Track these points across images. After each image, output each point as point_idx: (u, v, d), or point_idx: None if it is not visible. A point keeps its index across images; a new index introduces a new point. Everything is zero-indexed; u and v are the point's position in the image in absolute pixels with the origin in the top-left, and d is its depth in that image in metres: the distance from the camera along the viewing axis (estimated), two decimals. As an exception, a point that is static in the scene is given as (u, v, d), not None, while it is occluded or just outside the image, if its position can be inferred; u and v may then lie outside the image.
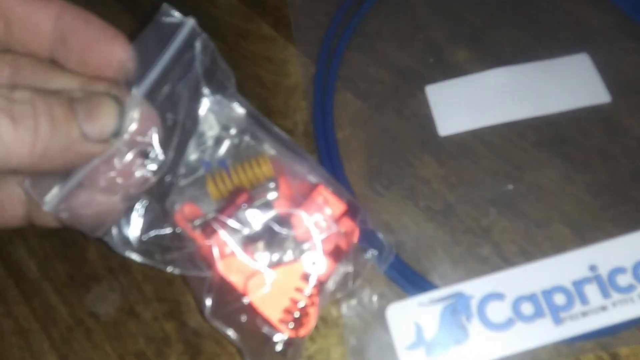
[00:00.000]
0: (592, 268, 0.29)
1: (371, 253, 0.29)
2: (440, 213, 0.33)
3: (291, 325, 0.27)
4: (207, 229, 0.28)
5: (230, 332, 0.27)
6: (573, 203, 0.33)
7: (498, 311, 0.29)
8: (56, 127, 0.18)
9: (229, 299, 0.27)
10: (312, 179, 0.29)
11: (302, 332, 0.27)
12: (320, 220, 0.27)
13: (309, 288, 0.27)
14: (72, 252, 0.37)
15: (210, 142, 0.29)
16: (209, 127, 0.29)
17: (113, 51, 0.21)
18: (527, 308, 0.29)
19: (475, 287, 0.30)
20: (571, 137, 0.35)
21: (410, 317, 0.29)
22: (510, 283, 0.29)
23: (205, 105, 0.28)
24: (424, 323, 0.29)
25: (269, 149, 0.29)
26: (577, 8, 0.39)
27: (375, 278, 0.32)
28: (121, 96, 0.21)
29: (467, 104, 0.36)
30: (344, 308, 0.31)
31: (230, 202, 0.28)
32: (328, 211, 0.28)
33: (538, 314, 0.29)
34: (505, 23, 0.39)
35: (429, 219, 0.33)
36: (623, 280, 0.29)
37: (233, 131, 0.29)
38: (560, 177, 0.33)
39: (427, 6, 0.41)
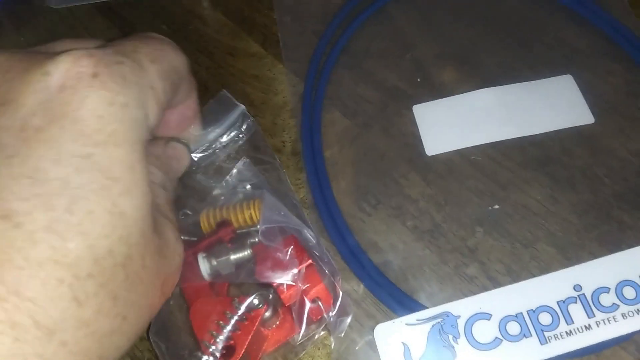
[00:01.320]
0: (577, 288, 0.30)
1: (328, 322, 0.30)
2: (428, 232, 0.34)
3: (212, 348, 0.27)
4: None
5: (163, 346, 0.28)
6: (558, 223, 0.33)
7: (485, 331, 0.29)
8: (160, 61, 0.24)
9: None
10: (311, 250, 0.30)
11: None
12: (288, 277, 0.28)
13: (235, 316, 0.27)
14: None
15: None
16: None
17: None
18: (513, 328, 0.29)
19: (462, 307, 0.30)
20: (556, 157, 0.35)
21: (398, 337, 0.30)
22: (497, 303, 0.30)
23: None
24: (411, 343, 0.29)
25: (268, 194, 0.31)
26: (562, 30, 0.40)
27: (363, 298, 0.32)
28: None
29: (454, 124, 0.36)
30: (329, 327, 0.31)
31: (212, 233, 0.30)
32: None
33: (524, 333, 0.29)
34: (492, 44, 0.40)
35: (416, 238, 0.34)
36: (606, 299, 0.29)
37: (248, 186, 0.33)
38: (546, 197, 0.34)
39: (415, 26, 0.41)
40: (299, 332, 0.29)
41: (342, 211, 0.35)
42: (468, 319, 0.30)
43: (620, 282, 0.29)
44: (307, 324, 0.29)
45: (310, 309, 0.29)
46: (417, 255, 0.33)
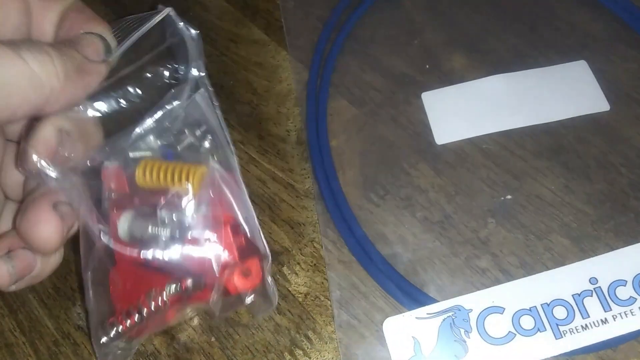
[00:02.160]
0: (593, 281, 0.29)
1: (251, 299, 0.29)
2: (438, 224, 0.33)
3: (126, 319, 0.27)
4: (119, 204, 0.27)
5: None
6: (573, 214, 0.32)
7: (497, 325, 0.28)
8: (65, 55, 0.23)
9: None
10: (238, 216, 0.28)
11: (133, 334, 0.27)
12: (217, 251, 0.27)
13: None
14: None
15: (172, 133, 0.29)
16: (174, 119, 0.28)
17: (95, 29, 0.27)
18: (527, 322, 0.28)
19: (474, 301, 0.29)
20: (570, 146, 0.34)
21: (408, 331, 0.29)
22: (510, 296, 0.29)
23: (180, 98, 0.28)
24: (421, 337, 0.28)
25: (215, 165, 0.28)
26: (575, 15, 0.39)
27: (372, 291, 0.31)
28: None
29: (464, 111, 0.35)
30: (339, 322, 0.31)
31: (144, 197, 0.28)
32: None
33: (538, 327, 0.28)
34: (502, 29, 0.39)
35: (426, 229, 0.33)
36: (623, 292, 0.28)
37: (198, 132, 0.28)
38: (560, 187, 0.33)
39: (422, 11, 0.40)
40: (213, 299, 0.27)
41: (349, 202, 0.34)
42: (480, 313, 0.29)
43: (637, 274, 0.29)
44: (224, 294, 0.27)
45: (229, 281, 0.27)
46: (427, 247, 0.32)
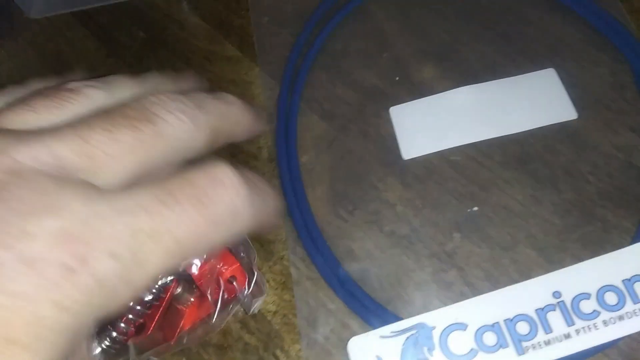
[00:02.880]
0: (556, 295, 0.28)
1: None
2: (405, 238, 0.33)
3: (122, 326, 0.28)
4: None
5: None
6: (539, 224, 0.32)
7: (460, 342, 0.28)
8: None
9: None
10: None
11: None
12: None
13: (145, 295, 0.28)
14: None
15: None
16: None
17: None
18: (489, 338, 0.28)
19: (437, 318, 0.29)
20: (538, 155, 0.34)
21: (372, 350, 0.29)
22: (473, 312, 0.29)
23: None
24: (385, 356, 0.29)
25: None
26: (544, 21, 0.38)
27: (339, 309, 0.31)
28: None
29: (432, 124, 0.35)
30: (306, 340, 0.31)
31: None
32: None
33: (500, 343, 0.28)
34: (472, 38, 0.38)
35: (394, 244, 0.33)
36: (587, 306, 0.28)
37: None
38: (527, 198, 0.33)
39: (393, 23, 0.40)
40: (215, 311, 0.29)
41: (318, 218, 0.34)
42: (443, 330, 0.29)
43: (601, 287, 0.28)
44: (223, 303, 0.29)
45: (226, 288, 0.29)
46: (393, 262, 0.32)
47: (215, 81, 0.41)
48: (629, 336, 0.28)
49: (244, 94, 0.40)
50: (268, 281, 0.33)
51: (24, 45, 0.47)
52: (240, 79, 0.41)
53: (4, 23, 0.48)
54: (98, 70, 0.44)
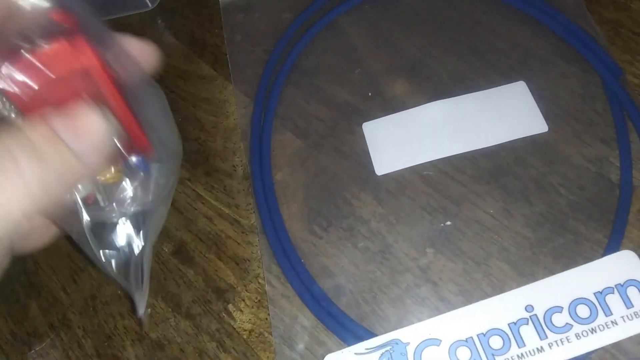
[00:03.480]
0: (529, 308, 0.28)
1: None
2: (379, 253, 0.33)
3: None
4: None
5: None
6: (512, 237, 0.32)
7: (434, 357, 0.28)
8: (42, 158, 0.16)
9: None
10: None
11: None
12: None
13: None
14: (14, 309, 0.36)
15: None
16: None
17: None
18: (463, 353, 0.28)
19: (411, 333, 0.29)
20: (509, 168, 0.34)
21: (346, 367, 0.29)
22: (447, 327, 0.29)
23: None
24: (360, 373, 0.28)
25: None
26: (514, 34, 0.39)
27: (314, 325, 0.31)
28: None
29: (404, 140, 0.35)
30: (282, 358, 0.31)
31: None
32: None
33: (474, 358, 0.28)
34: (443, 52, 0.39)
35: (368, 260, 0.33)
36: (559, 319, 0.28)
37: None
38: (499, 211, 0.33)
39: (365, 38, 0.40)
40: None
41: (293, 235, 0.34)
42: (417, 346, 0.29)
43: (573, 300, 0.28)
44: None
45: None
46: (368, 278, 0.32)
47: (190, 99, 0.41)
48: (602, 348, 0.28)
49: (218, 113, 0.40)
50: (243, 300, 0.33)
51: None
52: (214, 97, 0.41)
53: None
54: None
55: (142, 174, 0.22)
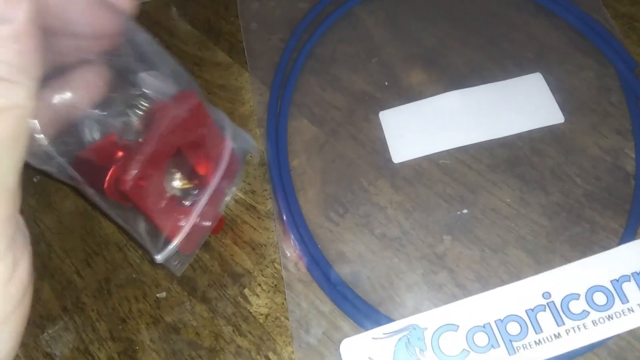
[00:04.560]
0: (546, 295, 0.29)
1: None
2: (396, 240, 0.33)
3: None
4: None
5: None
6: (528, 226, 0.32)
7: (452, 342, 0.28)
8: None
9: None
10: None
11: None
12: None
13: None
14: (27, 291, 0.36)
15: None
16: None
17: None
18: (481, 339, 0.28)
19: (429, 319, 0.29)
20: (526, 158, 0.34)
21: (364, 351, 0.29)
22: (464, 313, 0.29)
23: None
24: (378, 357, 0.29)
25: None
26: (531, 26, 0.39)
27: (331, 310, 0.31)
28: None
29: (421, 129, 0.36)
30: (298, 342, 0.31)
31: None
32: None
33: (492, 344, 0.28)
34: (460, 43, 0.39)
35: (385, 246, 0.33)
36: (576, 306, 0.28)
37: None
38: (515, 200, 0.33)
39: (382, 28, 0.41)
40: None
41: (310, 222, 0.34)
42: (435, 331, 0.29)
43: (590, 287, 0.29)
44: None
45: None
46: (385, 265, 0.32)
47: (205, 87, 0.41)
48: (618, 335, 0.28)
49: (234, 99, 0.40)
50: (259, 284, 0.33)
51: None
52: (230, 84, 0.41)
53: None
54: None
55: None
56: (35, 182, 0.40)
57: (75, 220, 0.37)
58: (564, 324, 0.28)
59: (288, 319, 0.32)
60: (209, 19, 0.44)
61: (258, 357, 0.31)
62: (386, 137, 0.36)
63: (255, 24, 0.43)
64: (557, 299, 0.28)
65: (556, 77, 0.36)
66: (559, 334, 0.28)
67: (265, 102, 0.39)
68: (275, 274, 0.33)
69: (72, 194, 0.38)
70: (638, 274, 0.29)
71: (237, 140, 0.30)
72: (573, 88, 0.36)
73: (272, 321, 0.32)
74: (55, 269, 0.36)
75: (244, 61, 0.41)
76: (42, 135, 0.22)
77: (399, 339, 0.29)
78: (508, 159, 0.34)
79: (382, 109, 0.37)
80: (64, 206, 0.38)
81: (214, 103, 0.40)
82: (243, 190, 0.36)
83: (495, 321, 0.28)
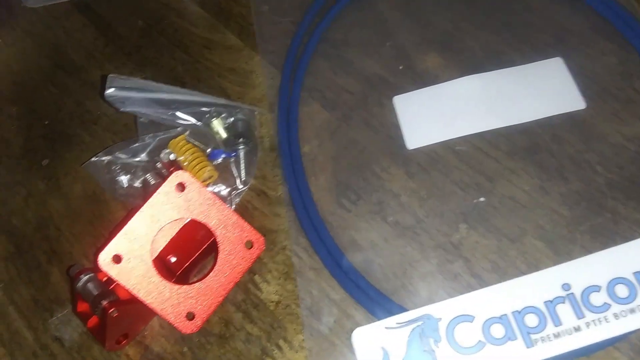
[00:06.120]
0: (565, 287, 0.28)
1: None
2: (409, 228, 0.32)
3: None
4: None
5: None
6: (547, 215, 0.31)
7: (467, 334, 0.28)
8: None
9: None
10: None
11: None
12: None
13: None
14: (36, 275, 0.36)
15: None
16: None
17: None
18: (497, 330, 0.27)
19: (443, 309, 0.28)
20: (545, 145, 0.33)
21: (377, 341, 0.28)
22: (480, 304, 0.28)
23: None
24: (391, 348, 0.28)
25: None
26: (551, 9, 0.37)
27: (342, 299, 0.31)
28: None
29: (437, 114, 0.35)
30: (309, 330, 0.30)
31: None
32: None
33: (509, 336, 0.27)
34: (476, 27, 0.38)
35: (398, 234, 0.32)
36: (597, 299, 0.27)
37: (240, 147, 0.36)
38: (534, 188, 0.32)
39: (395, 11, 0.39)
40: None
41: (321, 208, 0.33)
42: (450, 322, 0.28)
43: (612, 280, 0.28)
44: None
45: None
46: (398, 253, 0.31)
47: (215, 69, 0.40)
48: (640, 329, 0.27)
49: (244, 83, 0.39)
50: (270, 271, 0.33)
51: (22, 34, 0.46)
52: (240, 67, 0.40)
53: (2, 12, 0.47)
54: (96, 59, 0.43)
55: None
56: (44, 165, 0.39)
57: (84, 205, 0.37)
58: (584, 316, 0.27)
59: (299, 307, 0.31)
60: (219, 1, 0.43)
61: (268, 344, 0.31)
62: (400, 123, 0.35)
63: (266, 6, 0.42)
64: (577, 291, 0.28)
65: (577, 62, 0.35)
66: (578, 326, 0.27)
67: (276, 87, 0.38)
68: (286, 261, 0.33)
69: (81, 178, 0.38)
70: (661, 265, 0.28)
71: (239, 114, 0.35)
72: (594, 73, 0.35)
73: (283, 309, 0.31)
74: (64, 253, 0.36)
75: (255, 44, 0.40)
76: None
77: (413, 329, 0.28)
78: (526, 146, 0.33)
79: (396, 94, 0.36)
80: (73, 190, 0.38)
81: (223, 87, 0.39)
82: (254, 175, 0.36)
83: (512, 312, 0.28)
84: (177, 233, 0.31)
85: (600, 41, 0.36)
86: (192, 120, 0.36)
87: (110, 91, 0.34)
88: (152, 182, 0.33)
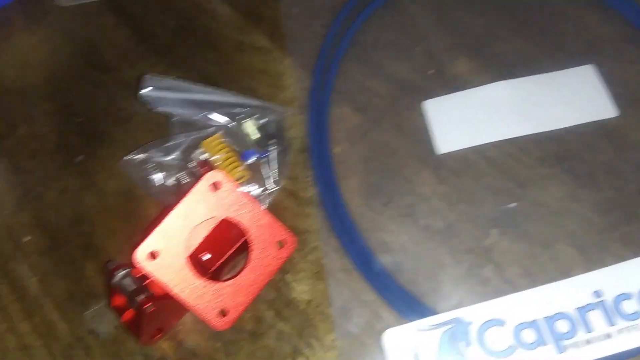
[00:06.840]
0: (597, 294, 0.28)
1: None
2: (440, 232, 0.32)
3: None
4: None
5: None
6: (579, 222, 0.31)
7: (498, 338, 0.28)
8: None
9: None
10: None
11: None
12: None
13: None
14: (71, 269, 0.36)
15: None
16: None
17: None
18: (528, 335, 0.28)
19: (474, 313, 0.29)
20: (577, 152, 0.33)
21: (408, 343, 0.29)
22: (511, 309, 0.28)
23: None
24: (421, 350, 0.28)
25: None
26: (583, 17, 0.38)
27: (373, 300, 0.31)
28: None
29: (468, 119, 0.35)
30: (340, 330, 0.31)
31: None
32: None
33: (540, 341, 0.27)
34: (508, 33, 0.38)
35: (429, 238, 0.32)
36: (629, 306, 0.27)
37: (272, 148, 0.36)
38: (566, 195, 0.32)
39: (426, 15, 0.40)
40: None
41: (352, 210, 0.34)
42: (481, 326, 0.28)
43: (644, 287, 0.28)
44: None
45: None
46: (429, 256, 0.32)
47: (247, 71, 0.41)
48: (671, 337, 0.27)
49: (275, 85, 0.40)
50: (301, 271, 0.33)
51: (55, 32, 0.47)
52: (271, 69, 0.41)
53: (36, 10, 0.48)
54: (129, 58, 0.44)
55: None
56: (77, 162, 0.40)
57: (118, 201, 0.38)
58: (616, 323, 0.27)
59: (329, 307, 0.32)
60: (250, 3, 0.44)
61: (300, 342, 0.31)
62: (431, 127, 0.35)
63: (296, 8, 0.42)
64: (608, 298, 0.28)
65: (608, 70, 0.35)
66: (610, 334, 0.27)
67: (306, 89, 0.38)
68: (317, 261, 0.33)
69: (115, 175, 0.38)
70: (694, 275, 0.28)
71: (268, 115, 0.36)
72: (626, 82, 0.35)
73: (314, 308, 0.32)
74: (98, 248, 0.36)
75: (285, 46, 0.41)
76: None
77: (444, 332, 0.29)
78: (557, 153, 0.33)
79: (426, 98, 0.36)
80: (107, 187, 0.38)
81: (254, 88, 0.40)
82: (284, 176, 0.36)
83: (544, 318, 0.28)
84: (210, 231, 0.32)
85: (633, 50, 0.36)
86: (225, 120, 0.36)
87: (145, 91, 0.35)
88: (185, 180, 0.34)
